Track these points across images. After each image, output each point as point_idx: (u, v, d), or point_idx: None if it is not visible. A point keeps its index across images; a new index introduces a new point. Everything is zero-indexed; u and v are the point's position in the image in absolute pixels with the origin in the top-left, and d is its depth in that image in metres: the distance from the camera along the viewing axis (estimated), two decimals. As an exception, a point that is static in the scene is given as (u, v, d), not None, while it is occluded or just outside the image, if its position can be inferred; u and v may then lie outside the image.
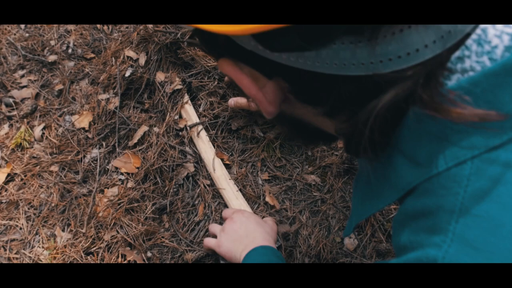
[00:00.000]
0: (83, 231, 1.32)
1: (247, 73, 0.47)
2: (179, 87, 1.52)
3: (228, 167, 1.47)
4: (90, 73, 1.62)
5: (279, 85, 0.47)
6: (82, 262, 1.26)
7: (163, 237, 1.34)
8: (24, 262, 1.30)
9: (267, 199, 1.44)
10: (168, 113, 1.51)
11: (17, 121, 1.54)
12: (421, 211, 0.48)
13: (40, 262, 1.29)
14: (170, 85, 1.53)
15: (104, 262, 1.26)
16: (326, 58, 0.40)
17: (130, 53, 1.60)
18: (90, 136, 1.49)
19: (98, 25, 1.72)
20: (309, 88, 0.46)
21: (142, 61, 1.58)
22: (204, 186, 1.43)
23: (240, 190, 1.42)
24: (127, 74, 1.54)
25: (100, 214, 1.33)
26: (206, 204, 1.41)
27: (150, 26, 1.56)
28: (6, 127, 1.53)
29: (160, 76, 1.54)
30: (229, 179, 1.42)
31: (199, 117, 1.51)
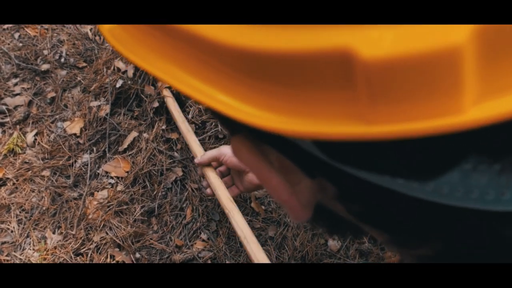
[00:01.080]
0: (73, 232, 1.35)
1: (276, 167, 0.30)
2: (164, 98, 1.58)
3: (215, 171, 1.52)
4: (82, 81, 1.67)
5: (322, 185, 0.31)
6: (71, 263, 1.29)
7: (151, 238, 1.38)
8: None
9: (253, 205, 1.48)
10: (157, 122, 1.56)
11: (9, 128, 1.58)
12: None
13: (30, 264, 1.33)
14: (157, 96, 1.58)
15: (94, 263, 1.29)
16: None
17: (119, 64, 1.65)
18: (81, 141, 1.54)
19: (90, 35, 1.78)
20: (371, 204, 0.30)
21: (130, 73, 1.63)
22: (192, 190, 1.47)
23: (227, 193, 1.47)
24: (118, 85, 1.60)
25: (90, 216, 1.37)
26: (194, 207, 1.45)
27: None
28: (-1, 133, 1.57)
29: (147, 89, 1.60)
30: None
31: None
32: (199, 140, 1.55)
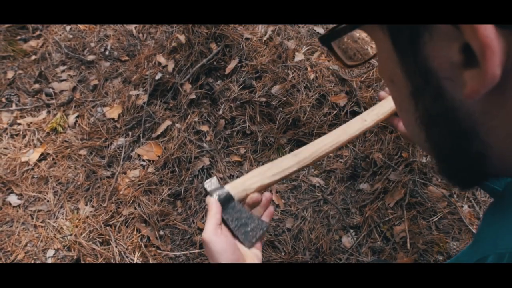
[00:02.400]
0: (104, 205, 1.45)
1: None
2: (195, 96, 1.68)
3: (240, 164, 1.61)
4: (123, 73, 1.80)
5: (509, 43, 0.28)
6: (101, 232, 1.38)
7: (175, 219, 1.46)
8: (48, 230, 1.43)
9: (274, 198, 1.56)
10: (190, 115, 1.66)
11: (54, 109, 1.71)
12: None
13: (62, 231, 1.42)
14: (193, 91, 1.69)
15: (121, 234, 1.38)
16: None
17: (161, 59, 1.78)
18: (118, 126, 1.65)
19: (134, 32, 1.91)
20: None
21: (170, 67, 1.75)
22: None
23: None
24: (157, 77, 1.71)
25: (121, 192, 1.47)
26: (217, 194, 1.53)
27: (182, 37, 1.74)
28: (44, 113, 1.70)
29: (185, 85, 1.71)
30: None
31: (217, 119, 1.66)
32: (227, 135, 1.64)
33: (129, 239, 1.39)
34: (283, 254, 1.43)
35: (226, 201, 0.72)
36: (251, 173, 0.78)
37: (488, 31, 0.27)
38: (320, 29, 1.89)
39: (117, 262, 1.31)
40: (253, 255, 0.71)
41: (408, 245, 1.47)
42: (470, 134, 0.35)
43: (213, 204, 0.71)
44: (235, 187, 0.74)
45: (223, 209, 0.71)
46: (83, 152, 1.61)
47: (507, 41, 0.28)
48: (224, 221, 0.71)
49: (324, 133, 1.58)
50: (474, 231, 1.49)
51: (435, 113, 0.36)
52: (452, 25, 0.29)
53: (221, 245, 0.66)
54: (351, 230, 1.50)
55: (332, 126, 1.64)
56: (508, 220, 0.36)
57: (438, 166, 0.41)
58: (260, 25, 1.83)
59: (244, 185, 0.75)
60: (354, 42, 0.46)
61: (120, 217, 1.43)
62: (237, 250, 0.68)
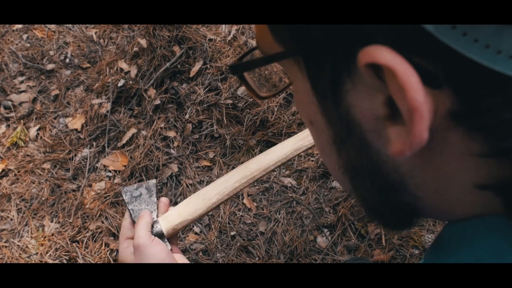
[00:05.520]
0: (70, 221, 1.40)
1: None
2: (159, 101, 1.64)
3: (209, 168, 1.57)
4: (85, 80, 1.74)
5: (439, 101, 0.26)
6: (68, 249, 1.34)
7: (145, 230, 1.42)
8: (12, 250, 1.37)
9: (245, 201, 1.53)
10: (156, 121, 1.62)
11: (14, 122, 1.65)
12: None
13: (28, 249, 1.37)
14: (158, 96, 1.65)
15: (89, 250, 1.33)
16: None
17: (123, 65, 1.73)
18: (82, 136, 1.60)
19: (95, 38, 1.85)
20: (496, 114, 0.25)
21: (132, 73, 1.70)
22: (187, 185, 1.53)
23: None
24: (120, 84, 1.66)
25: (87, 206, 1.42)
26: (188, 202, 1.50)
27: (144, 42, 1.69)
28: (3, 127, 1.64)
29: (149, 90, 1.67)
30: None
31: (184, 124, 1.62)
32: (195, 139, 1.61)
33: (98, 255, 1.35)
34: (257, 259, 1.40)
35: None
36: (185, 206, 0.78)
37: (418, 93, 0.24)
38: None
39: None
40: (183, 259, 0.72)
41: (384, 241, 1.46)
42: (399, 187, 0.32)
43: (147, 214, 0.73)
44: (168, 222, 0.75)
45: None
46: (46, 165, 1.55)
47: (435, 100, 0.26)
48: None
49: (294, 133, 1.56)
50: (448, 223, 1.49)
51: (359, 165, 0.33)
52: (376, 77, 0.26)
53: (161, 247, 0.67)
54: (326, 230, 1.48)
55: (302, 124, 1.61)
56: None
57: (367, 215, 0.38)
58: (223, 25, 1.79)
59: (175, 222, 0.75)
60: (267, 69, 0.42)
61: (87, 232, 1.38)
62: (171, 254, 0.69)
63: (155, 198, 0.78)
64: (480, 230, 0.31)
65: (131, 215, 0.74)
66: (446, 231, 0.34)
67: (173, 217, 0.76)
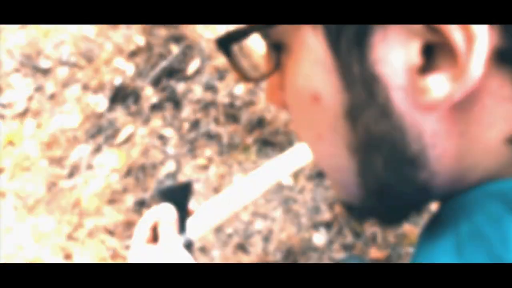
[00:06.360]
0: (67, 218, 1.40)
1: None
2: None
3: (205, 167, 1.57)
4: (81, 79, 1.74)
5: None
6: (64, 247, 1.33)
7: (142, 228, 1.42)
8: (8, 248, 1.37)
9: (243, 199, 1.53)
10: (152, 119, 1.62)
11: (10, 120, 1.64)
12: None
13: (23, 247, 1.37)
14: (155, 94, 1.65)
15: (85, 247, 1.33)
16: None
17: (119, 62, 1.73)
18: (78, 134, 1.59)
19: (92, 36, 1.85)
20: None
21: (130, 71, 1.70)
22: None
23: (216, 190, 1.52)
24: (117, 82, 1.66)
25: (84, 203, 1.42)
26: (185, 200, 1.50)
27: (143, 39, 1.69)
28: (-1, 125, 1.63)
29: (147, 88, 1.67)
30: None
31: (181, 123, 1.62)
32: (192, 138, 1.61)
33: (94, 252, 1.35)
34: (253, 257, 1.41)
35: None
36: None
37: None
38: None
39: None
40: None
41: (379, 239, 1.47)
42: (418, 161, 0.29)
43: (177, 218, 0.63)
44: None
45: None
46: (42, 163, 1.55)
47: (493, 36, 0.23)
48: None
49: (292, 132, 1.57)
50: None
51: (377, 136, 0.29)
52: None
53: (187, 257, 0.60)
54: (322, 228, 1.49)
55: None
56: (443, 243, 0.29)
57: (363, 205, 0.35)
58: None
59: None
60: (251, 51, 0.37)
61: (84, 229, 1.38)
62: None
63: (187, 201, 0.68)
64: (480, 198, 0.29)
65: (158, 216, 0.66)
66: (445, 208, 0.33)
67: (202, 225, 0.68)
